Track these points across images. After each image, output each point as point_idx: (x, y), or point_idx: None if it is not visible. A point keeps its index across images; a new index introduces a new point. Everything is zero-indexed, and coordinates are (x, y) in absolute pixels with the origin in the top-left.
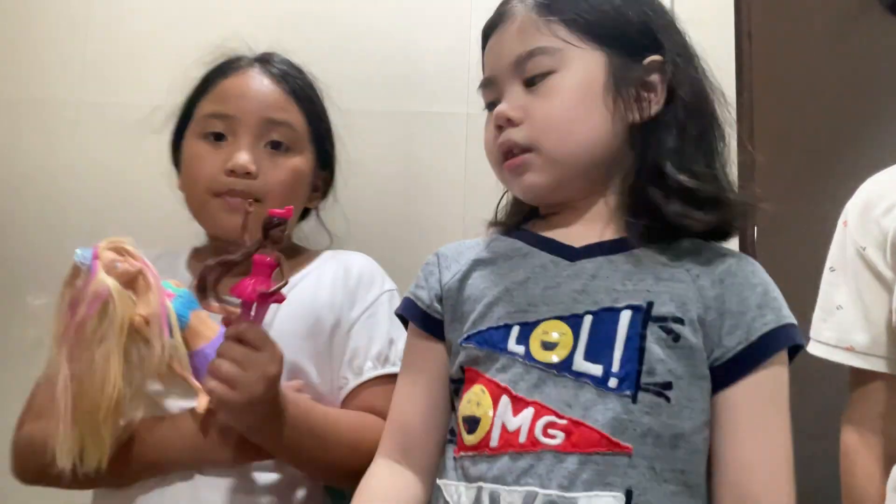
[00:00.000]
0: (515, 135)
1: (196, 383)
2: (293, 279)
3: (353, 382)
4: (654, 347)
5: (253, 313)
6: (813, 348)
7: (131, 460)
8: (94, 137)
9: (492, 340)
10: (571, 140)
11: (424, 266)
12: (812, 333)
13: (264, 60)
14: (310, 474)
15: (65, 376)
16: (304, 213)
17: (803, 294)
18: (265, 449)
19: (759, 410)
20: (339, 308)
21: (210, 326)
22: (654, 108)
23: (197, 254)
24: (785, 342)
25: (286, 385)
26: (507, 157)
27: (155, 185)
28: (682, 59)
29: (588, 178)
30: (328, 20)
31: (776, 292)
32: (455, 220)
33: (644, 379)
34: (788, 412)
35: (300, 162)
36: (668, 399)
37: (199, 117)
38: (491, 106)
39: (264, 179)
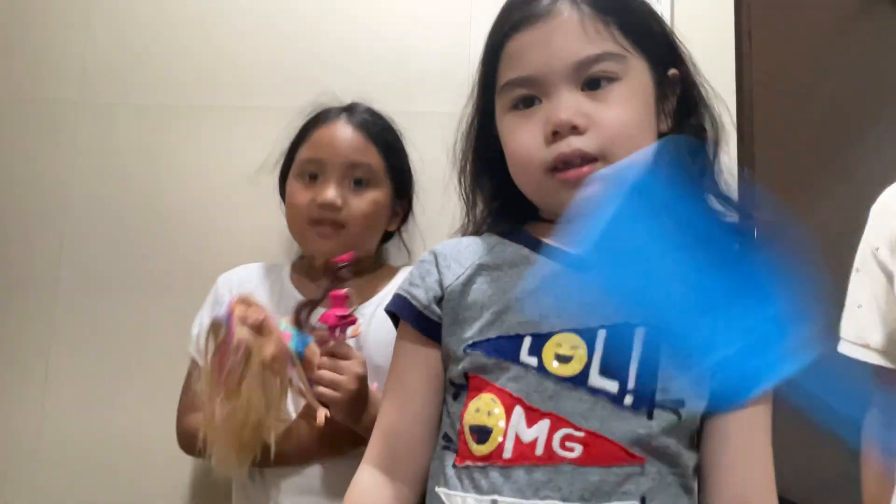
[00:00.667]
0: (583, 143)
1: (316, 402)
2: (380, 294)
3: None
4: (669, 364)
5: (337, 334)
6: (840, 346)
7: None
8: (94, 137)
9: (503, 350)
10: (639, 148)
11: (420, 264)
12: (840, 332)
13: (350, 110)
14: None
15: (222, 411)
16: (389, 235)
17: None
18: (360, 438)
19: (749, 437)
20: None
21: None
22: (669, 121)
23: (295, 267)
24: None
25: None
26: (565, 166)
27: (155, 186)
28: (695, 76)
29: None
30: (328, 20)
31: None
32: (454, 223)
33: (659, 396)
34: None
35: (378, 195)
36: (680, 416)
37: (298, 161)
38: (525, 103)
39: (349, 210)
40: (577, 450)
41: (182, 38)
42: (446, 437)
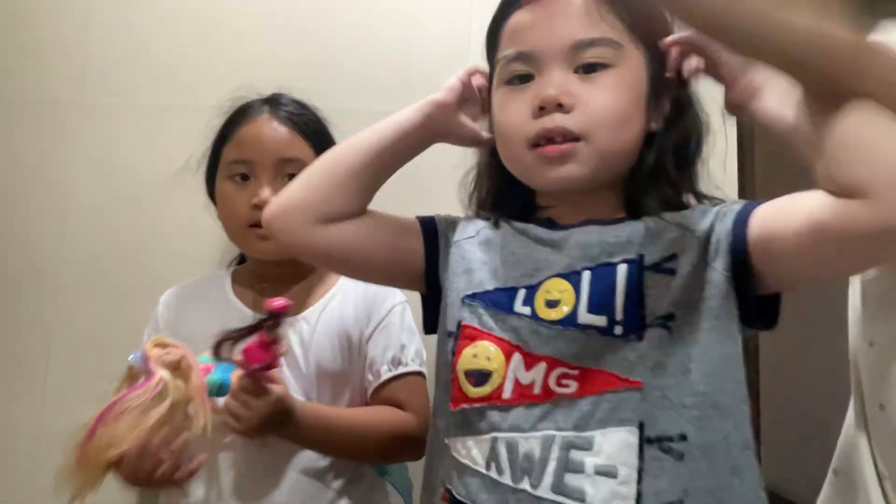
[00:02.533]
0: (567, 121)
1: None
2: (325, 297)
3: (374, 384)
4: (653, 291)
5: (255, 374)
6: None
7: None
8: (95, 138)
9: (499, 301)
10: (621, 138)
11: (448, 216)
12: None
13: (272, 103)
14: (344, 459)
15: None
16: None
17: (805, 292)
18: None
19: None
20: (360, 323)
21: None
22: (660, 122)
23: (237, 275)
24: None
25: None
26: (547, 142)
27: (154, 186)
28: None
29: (611, 178)
30: (327, 19)
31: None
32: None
33: (647, 319)
34: None
35: None
36: (669, 330)
37: (224, 163)
38: (521, 79)
39: None
40: (573, 385)
41: (182, 38)
42: (442, 387)
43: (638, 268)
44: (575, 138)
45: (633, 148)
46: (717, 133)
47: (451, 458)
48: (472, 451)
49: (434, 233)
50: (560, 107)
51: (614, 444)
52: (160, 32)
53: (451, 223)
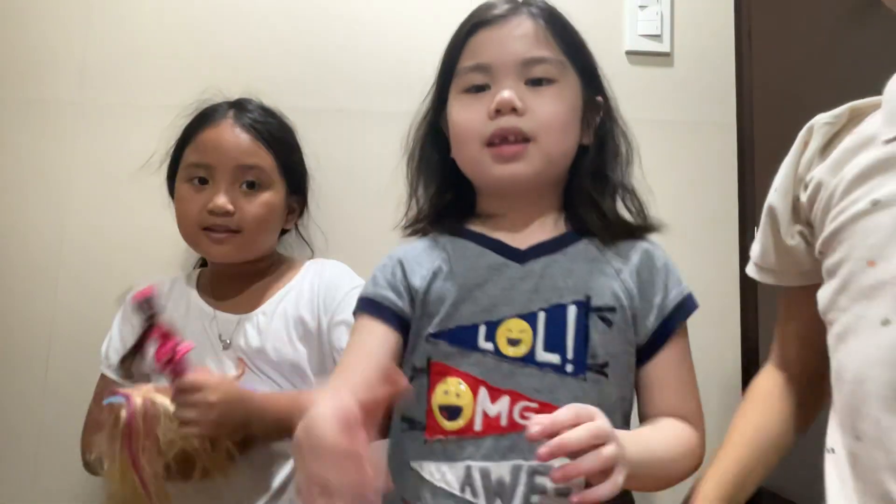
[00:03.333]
0: (520, 123)
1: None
2: (282, 290)
3: None
4: (594, 335)
5: (175, 371)
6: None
7: None
8: (94, 138)
9: (462, 338)
10: (563, 143)
11: (382, 268)
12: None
13: (238, 108)
14: None
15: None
16: (283, 233)
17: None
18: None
19: (677, 368)
20: (317, 313)
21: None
22: (590, 137)
23: (201, 276)
24: (688, 311)
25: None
26: (500, 142)
27: (154, 186)
28: (614, 109)
29: (549, 182)
30: (328, 20)
31: (673, 268)
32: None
33: (589, 361)
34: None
35: (272, 197)
36: (606, 375)
37: (184, 165)
38: (477, 88)
39: (241, 215)
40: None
41: (182, 38)
42: (407, 420)
43: (585, 309)
44: (525, 139)
45: (570, 154)
46: (717, 133)
47: (420, 480)
48: (446, 475)
49: (398, 318)
50: (514, 111)
51: None
52: (160, 32)
53: (400, 280)
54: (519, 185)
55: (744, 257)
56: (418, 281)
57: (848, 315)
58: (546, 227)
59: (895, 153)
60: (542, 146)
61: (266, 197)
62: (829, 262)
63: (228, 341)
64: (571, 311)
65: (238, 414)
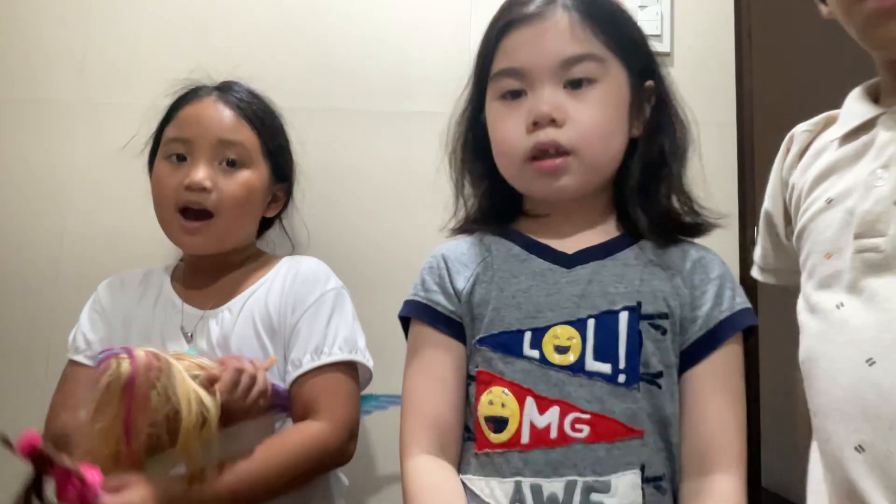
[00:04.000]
0: (559, 136)
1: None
2: (253, 286)
3: (294, 374)
4: (648, 343)
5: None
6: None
7: None
8: (94, 137)
9: (507, 345)
10: (609, 151)
11: (429, 269)
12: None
13: (223, 89)
14: (267, 498)
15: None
16: (268, 223)
17: None
18: None
19: (718, 383)
20: (284, 311)
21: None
22: (641, 128)
23: (175, 270)
24: (738, 326)
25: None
26: (541, 156)
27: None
28: (669, 89)
29: (600, 184)
30: (328, 20)
31: (732, 282)
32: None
33: (642, 371)
34: (743, 383)
35: (252, 176)
36: (659, 386)
37: (163, 142)
38: (513, 94)
39: (219, 193)
40: (586, 430)
41: (182, 38)
42: (467, 429)
43: (637, 316)
44: (566, 152)
45: (618, 156)
46: (717, 133)
47: (471, 494)
48: (495, 491)
49: (452, 322)
50: (553, 122)
51: (626, 486)
52: (159, 32)
53: (447, 281)
54: (564, 198)
55: (744, 257)
56: (462, 282)
57: (812, 302)
58: (596, 230)
59: (845, 155)
60: (585, 158)
61: (246, 176)
62: (801, 258)
63: (191, 335)
64: (623, 318)
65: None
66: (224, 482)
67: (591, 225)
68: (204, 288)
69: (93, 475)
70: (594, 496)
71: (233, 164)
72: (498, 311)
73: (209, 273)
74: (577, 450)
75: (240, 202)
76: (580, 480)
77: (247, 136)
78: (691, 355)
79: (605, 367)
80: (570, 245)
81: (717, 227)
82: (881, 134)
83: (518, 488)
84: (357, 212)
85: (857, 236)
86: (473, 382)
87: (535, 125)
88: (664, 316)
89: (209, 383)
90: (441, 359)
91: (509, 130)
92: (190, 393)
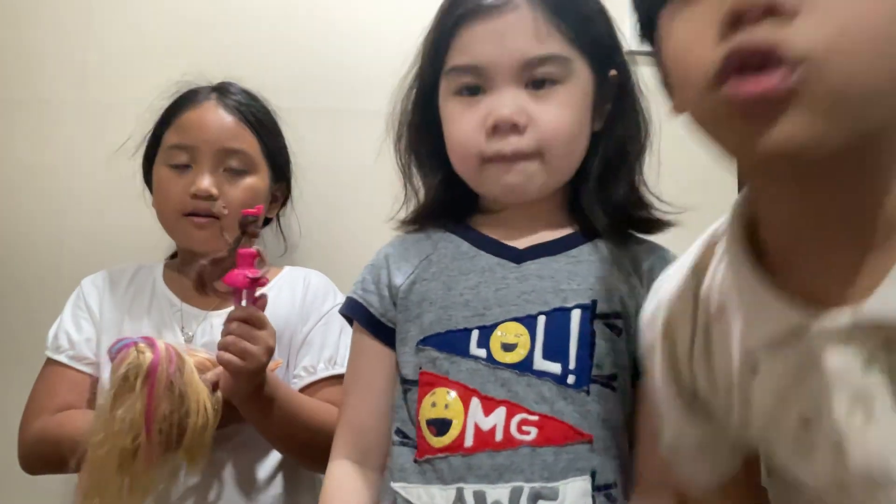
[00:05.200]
0: (521, 144)
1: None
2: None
3: (308, 379)
4: (601, 343)
5: (245, 299)
6: None
7: None
8: (94, 137)
9: (453, 344)
10: (574, 153)
11: (370, 267)
12: None
13: (221, 91)
14: (279, 445)
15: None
16: (267, 221)
17: None
18: (249, 419)
19: None
20: (294, 324)
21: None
22: (601, 122)
23: (168, 267)
24: None
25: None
26: (500, 159)
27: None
28: (632, 76)
29: (561, 183)
30: (328, 20)
31: None
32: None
33: (594, 372)
34: None
35: (255, 181)
36: (613, 389)
37: (164, 147)
38: (470, 90)
39: (225, 199)
40: (533, 433)
41: (182, 38)
42: (400, 433)
43: (590, 315)
44: (530, 156)
45: (582, 155)
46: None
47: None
48: (435, 498)
49: (382, 326)
50: (514, 126)
51: (576, 493)
52: (160, 32)
53: (384, 282)
54: (523, 200)
55: None
56: (400, 278)
57: None
58: (552, 227)
59: (774, 372)
60: (549, 161)
61: (250, 182)
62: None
63: (191, 334)
64: (575, 316)
65: (262, 381)
66: (279, 395)
67: (545, 221)
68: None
69: (264, 280)
70: (541, 503)
71: (236, 170)
72: (445, 310)
73: (228, 258)
74: (524, 453)
75: (245, 207)
76: (526, 487)
77: (249, 142)
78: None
79: (555, 367)
80: (521, 241)
81: (674, 224)
82: (829, 361)
83: (460, 495)
84: (345, 213)
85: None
86: (414, 386)
87: (496, 129)
88: (620, 316)
89: (213, 386)
90: (371, 366)
91: (466, 130)
92: (200, 393)
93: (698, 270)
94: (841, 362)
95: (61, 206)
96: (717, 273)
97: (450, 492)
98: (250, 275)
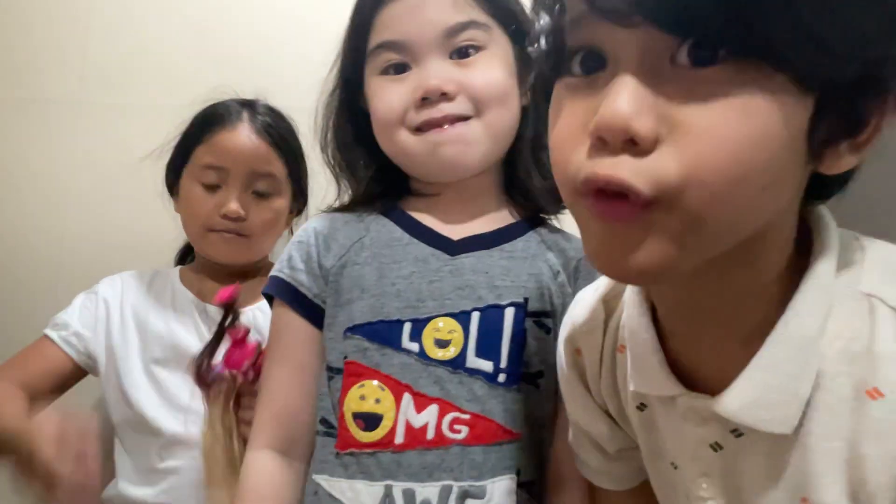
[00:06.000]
0: (453, 108)
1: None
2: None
3: None
4: (531, 341)
5: (249, 376)
6: None
7: None
8: (94, 137)
9: (383, 335)
10: (510, 113)
11: (298, 244)
12: None
13: (250, 110)
14: None
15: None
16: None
17: None
18: None
19: None
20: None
21: None
22: (527, 97)
23: (184, 272)
24: None
25: None
26: (434, 126)
27: (154, 186)
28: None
29: (498, 160)
30: (328, 19)
31: None
32: None
33: (522, 370)
34: None
35: (280, 203)
36: (537, 387)
37: (195, 164)
38: (395, 69)
39: (252, 220)
40: (464, 431)
41: (182, 38)
42: (325, 422)
43: (523, 313)
44: (465, 118)
45: (514, 126)
46: None
47: (329, 498)
48: (361, 494)
49: (314, 307)
50: (444, 95)
51: (502, 492)
52: (160, 32)
53: (315, 259)
54: (464, 173)
55: None
56: (331, 260)
57: None
58: (487, 216)
59: (644, 422)
60: (486, 119)
61: (276, 204)
62: None
63: None
64: (509, 314)
65: None
66: None
67: (481, 209)
68: None
69: (260, 362)
70: (469, 502)
71: (263, 194)
72: (378, 298)
73: (226, 279)
74: (455, 452)
75: (271, 228)
76: (455, 485)
77: (277, 166)
78: None
79: (487, 365)
80: (455, 230)
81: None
82: (689, 431)
83: (388, 492)
84: None
85: None
86: (339, 374)
87: (425, 101)
88: (549, 315)
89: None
90: (301, 347)
91: (393, 102)
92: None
93: (607, 301)
94: (696, 436)
95: (61, 206)
96: (624, 310)
97: (377, 488)
98: (246, 358)
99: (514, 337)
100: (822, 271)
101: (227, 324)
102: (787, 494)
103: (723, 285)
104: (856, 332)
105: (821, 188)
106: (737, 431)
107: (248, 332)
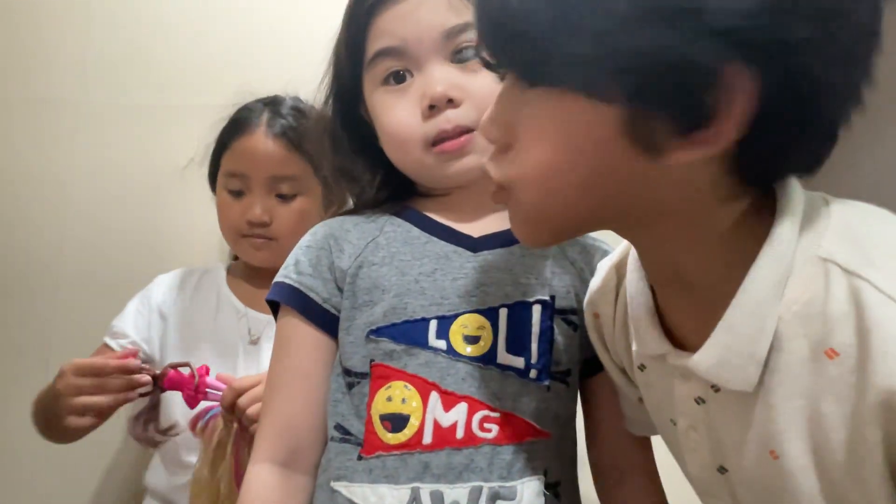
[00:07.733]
0: (459, 117)
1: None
2: None
3: None
4: (559, 339)
5: (206, 392)
6: None
7: None
8: (94, 137)
9: (410, 335)
10: None
11: (307, 249)
12: None
13: (272, 110)
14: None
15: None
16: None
17: None
18: None
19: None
20: None
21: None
22: None
23: (230, 272)
24: None
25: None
26: (443, 138)
27: (153, 186)
28: None
29: None
30: (328, 19)
31: None
32: None
33: (552, 368)
34: None
35: (307, 202)
36: (567, 385)
37: (223, 171)
38: (396, 78)
39: (277, 223)
40: (494, 430)
41: (182, 38)
42: (341, 430)
43: (551, 311)
44: (469, 130)
45: None
46: None
47: None
48: (385, 498)
49: (325, 314)
50: (450, 102)
51: (531, 493)
52: (160, 32)
53: (326, 263)
54: (472, 179)
55: None
56: (346, 261)
57: None
58: (501, 215)
59: (647, 381)
60: None
61: (300, 204)
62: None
63: (258, 338)
64: (536, 311)
65: None
66: None
67: (494, 207)
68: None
69: (201, 369)
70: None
71: (287, 196)
72: (400, 298)
73: (268, 279)
74: (485, 452)
75: (297, 228)
76: (485, 487)
77: (297, 167)
78: (596, 359)
79: (518, 361)
80: (472, 226)
81: None
82: (677, 387)
83: (416, 495)
84: None
85: (702, 494)
86: (364, 379)
87: (432, 109)
88: (575, 311)
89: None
90: (307, 355)
91: (402, 118)
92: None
93: (619, 268)
94: (683, 392)
95: (61, 206)
96: (626, 275)
97: (403, 492)
98: (190, 391)
99: (543, 334)
100: (782, 238)
101: (155, 390)
102: (757, 447)
103: (664, 253)
104: (812, 296)
105: (772, 164)
106: (715, 387)
107: (174, 372)
